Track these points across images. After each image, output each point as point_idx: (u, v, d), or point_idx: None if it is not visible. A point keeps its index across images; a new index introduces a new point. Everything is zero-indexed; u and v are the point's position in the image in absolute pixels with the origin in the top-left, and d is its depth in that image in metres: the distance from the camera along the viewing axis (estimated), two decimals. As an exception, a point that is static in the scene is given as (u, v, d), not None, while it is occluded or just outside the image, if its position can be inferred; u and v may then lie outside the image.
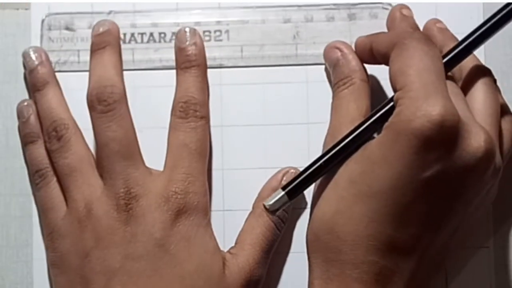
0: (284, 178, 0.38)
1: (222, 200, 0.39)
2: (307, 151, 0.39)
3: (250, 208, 0.38)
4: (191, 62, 0.38)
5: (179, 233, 0.35)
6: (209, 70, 0.39)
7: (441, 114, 0.31)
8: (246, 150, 0.40)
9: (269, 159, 0.39)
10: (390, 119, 0.32)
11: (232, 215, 0.39)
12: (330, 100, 0.38)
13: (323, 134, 0.38)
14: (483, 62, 0.39)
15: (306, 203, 0.39)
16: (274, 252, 0.38)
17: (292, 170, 0.38)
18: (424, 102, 0.31)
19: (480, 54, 0.39)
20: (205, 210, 0.37)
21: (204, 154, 0.38)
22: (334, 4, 0.40)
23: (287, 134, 0.39)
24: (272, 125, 0.40)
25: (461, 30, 0.37)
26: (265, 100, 0.40)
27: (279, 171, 0.39)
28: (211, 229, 0.37)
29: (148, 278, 0.35)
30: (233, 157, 0.39)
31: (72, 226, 0.36)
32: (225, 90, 0.40)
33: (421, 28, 0.39)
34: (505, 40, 0.40)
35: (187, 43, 0.39)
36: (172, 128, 0.38)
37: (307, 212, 0.39)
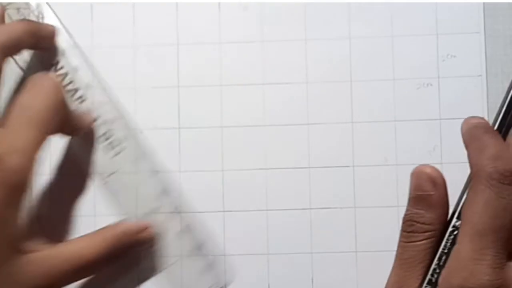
0: None
1: (222, 201, 0.39)
2: (307, 151, 0.39)
3: (251, 209, 0.38)
4: None
5: None
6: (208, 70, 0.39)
7: None
8: (246, 151, 0.39)
9: (269, 160, 0.39)
10: None
11: (232, 216, 0.39)
12: (330, 101, 0.38)
13: (322, 134, 0.38)
14: (483, 63, 0.39)
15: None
16: (275, 253, 0.38)
17: None
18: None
19: (481, 54, 0.39)
20: None
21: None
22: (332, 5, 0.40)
23: (287, 135, 0.39)
24: (272, 125, 0.40)
25: (461, 30, 0.37)
26: (265, 100, 0.40)
27: None
28: None
29: None
30: (233, 158, 0.39)
31: None
32: (225, 90, 0.40)
33: None
34: (506, 40, 0.40)
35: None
36: None
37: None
